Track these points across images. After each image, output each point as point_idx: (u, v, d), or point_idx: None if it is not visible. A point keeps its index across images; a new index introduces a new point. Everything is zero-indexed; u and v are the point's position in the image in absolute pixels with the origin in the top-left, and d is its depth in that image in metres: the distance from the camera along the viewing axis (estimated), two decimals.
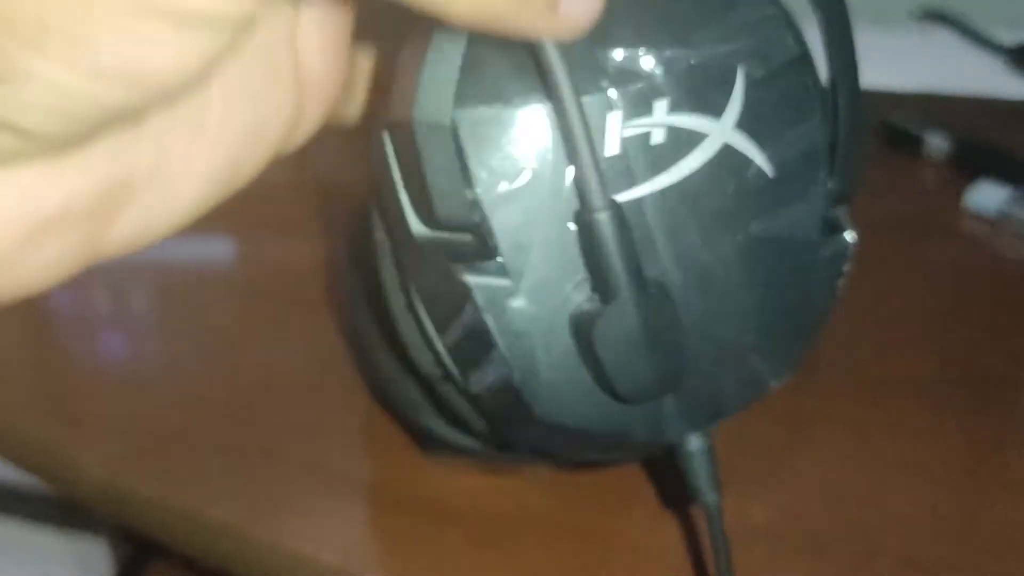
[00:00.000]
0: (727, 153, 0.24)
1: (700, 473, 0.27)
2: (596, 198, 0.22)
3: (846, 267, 0.26)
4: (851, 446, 0.35)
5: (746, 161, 0.24)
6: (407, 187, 0.25)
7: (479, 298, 0.24)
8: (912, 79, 0.59)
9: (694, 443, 0.27)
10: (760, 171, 0.24)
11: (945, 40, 0.64)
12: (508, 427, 0.27)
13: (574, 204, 0.23)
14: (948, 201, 0.47)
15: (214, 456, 0.35)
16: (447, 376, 0.27)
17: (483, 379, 0.25)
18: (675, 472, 0.27)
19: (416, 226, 0.24)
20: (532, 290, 0.24)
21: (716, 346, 0.25)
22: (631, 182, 0.23)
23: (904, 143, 0.51)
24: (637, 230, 0.23)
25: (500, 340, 0.24)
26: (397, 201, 0.25)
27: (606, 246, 0.23)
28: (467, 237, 0.24)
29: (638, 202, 0.24)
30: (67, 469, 0.36)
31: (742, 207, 0.24)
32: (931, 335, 0.40)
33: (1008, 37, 0.62)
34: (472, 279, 0.24)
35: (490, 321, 0.24)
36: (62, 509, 0.59)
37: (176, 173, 0.23)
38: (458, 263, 0.24)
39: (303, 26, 0.25)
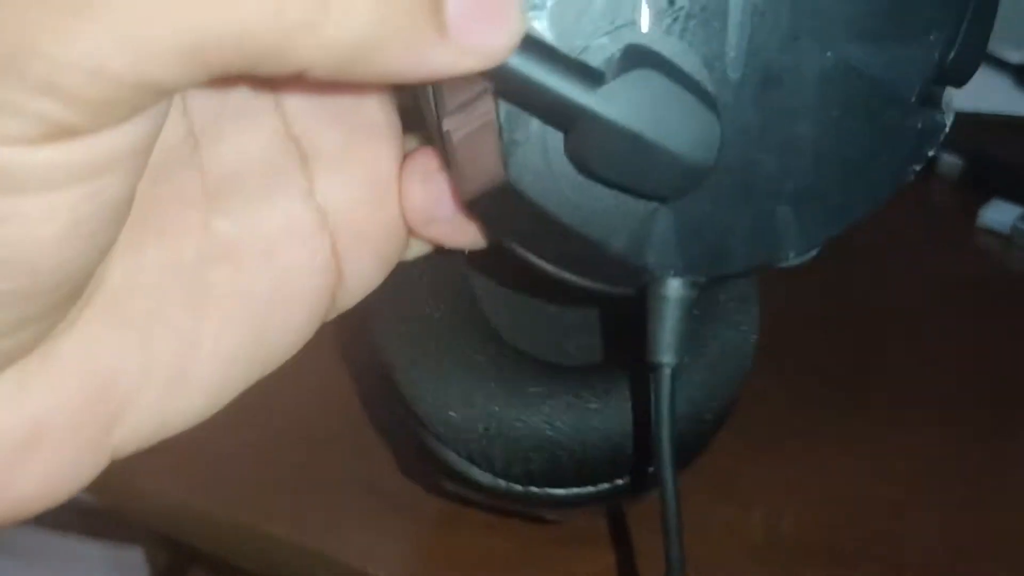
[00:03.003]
0: None
1: (664, 325, 0.22)
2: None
3: (930, 152, 0.22)
4: (871, 462, 0.35)
5: None
6: None
7: None
8: None
9: (673, 288, 0.22)
10: None
11: None
12: (479, 196, 0.22)
13: None
14: (962, 218, 0.48)
15: (268, 472, 0.36)
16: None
17: (466, 120, 0.21)
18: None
19: None
20: (560, 11, 0.19)
21: (747, 176, 0.21)
22: None
23: None
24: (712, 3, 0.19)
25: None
26: None
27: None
28: None
29: None
30: (120, 483, 0.37)
31: (846, 16, 0.20)
32: (948, 352, 0.41)
33: (1015, 55, 0.63)
34: None
35: None
36: (98, 517, 0.60)
37: (180, 362, 0.21)
38: None
39: (316, 166, 0.22)
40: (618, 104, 0.19)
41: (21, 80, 0.15)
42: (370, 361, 0.33)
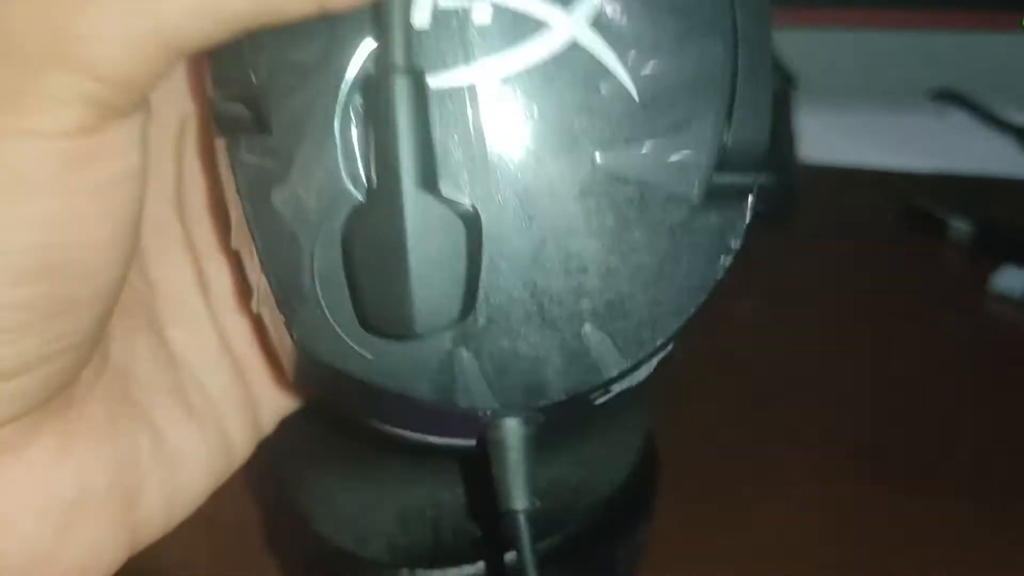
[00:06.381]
0: (575, 56, 0.19)
1: (510, 470, 0.21)
2: (396, 56, 0.18)
3: (735, 244, 0.21)
4: (890, 532, 0.35)
5: (600, 71, 0.19)
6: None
7: (240, 181, 0.19)
8: (926, 159, 0.60)
9: (509, 429, 0.21)
10: (619, 88, 0.19)
11: (957, 120, 0.65)
12: (292, 370, 0.22)
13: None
14: (973, 284, 0.48)
15: None
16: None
17: (264, 300, 0.21)
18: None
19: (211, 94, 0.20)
20: (302, 179, 0.19)
21: (536, 301, 0.20)
22: (440, 66, 0.19)
23: (927, 226, 0.52)
24: (441, 129, 0.19)
25: (257, 237, 0.20)
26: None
27: (391, 118, 0.18)
28: (247, 108, 0.19)
29: (447, 94, 0.19)
30: None
31: (589, 128, 0.19)
32: (960, 419, 0.40)
33: (1020, 117, 0.63)
34: (238, 156, 0.19)
35: (248, 211, 0.19)
36: None
37: (178, 453, 0.22)
38: (225, 135, 0.20)
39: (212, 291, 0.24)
40: (419, 210, 0.18)
41: (64, 67, 0.16)
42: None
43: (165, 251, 0.23)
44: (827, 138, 0.63)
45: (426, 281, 0.18)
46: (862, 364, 0.44)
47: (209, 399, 0.24)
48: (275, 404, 0.25)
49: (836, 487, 0.37)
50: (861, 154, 0.62)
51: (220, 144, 0.20)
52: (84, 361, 0.20)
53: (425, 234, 0.18)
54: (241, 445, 0.24)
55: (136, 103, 0.18)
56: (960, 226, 0.51)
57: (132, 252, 0.19)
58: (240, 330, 0.24)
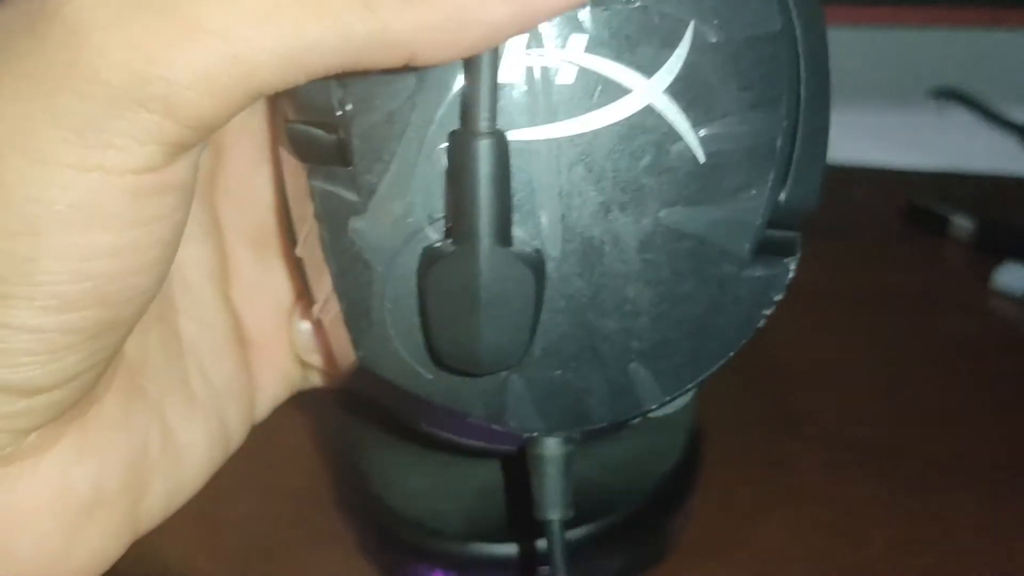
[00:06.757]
0: (650, 119, 0.20)
1: (548, 484, 0.23)
2: (482, 119, 0.19)
3: (777, 297, 0.22)
4: (907, 531, 0.35)
5: (672, 135, 0.20)
6: None
7: (319, 207, 0.21)
8: (928, 157, 0.60)
9: (550, 447, 0.23)
10: (687, 152, 0.20)
11: (959, 118, 0.65)
12: (349, 374, 0.23)
13: (453, 121, 0.20)
14: (974, 281, 0.48)
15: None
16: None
17: (328, 310, 0.22)
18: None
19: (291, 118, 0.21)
20: (380, 213, 0.20)
21: (590, 339, 0.21)
22: (523, 120, 0.20)
23: (929, 224, 0.52)
24: (519, 177, 0.20)
25: (332, 262, 0.21)
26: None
27: (474, 178, 0.19)
28: (328, 135, 0.20)
29: (527, 146, 0.20)
30: None
31: (656, 187, 0.21)
32: (963, 415, 0.40)
33: (1022, 115, 0.63)
34: (318, 184, 0.21)
35: (325, 237, 0.21)
36: None
37: (182, 444, 0.23)
38: (309, 163, 0.21)
39: (240, 275, 0.25)
40: (495, 266, 0.20)
41: (145, 107, 0.16)
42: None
43: (187, 238, 0.24)
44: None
45: (496, 330, 0.20)
46: (864, 362, 0.44)
47: (212, 388, 0.24)
48: (273, 392, 0.25)
49: (839, 485, 0.37)
50: (862, 152, 0.61)
51: (296, 163, 0.21)
52: (109, 366, 0.20)
53: (498, 287, 0.20)
54: (237, 433, 0.24)
55: (204, 139, 0.18)
56: (962, 224, 0.51)
57: (170, 266, 0.19)
58: (259, 319, 0.25)
